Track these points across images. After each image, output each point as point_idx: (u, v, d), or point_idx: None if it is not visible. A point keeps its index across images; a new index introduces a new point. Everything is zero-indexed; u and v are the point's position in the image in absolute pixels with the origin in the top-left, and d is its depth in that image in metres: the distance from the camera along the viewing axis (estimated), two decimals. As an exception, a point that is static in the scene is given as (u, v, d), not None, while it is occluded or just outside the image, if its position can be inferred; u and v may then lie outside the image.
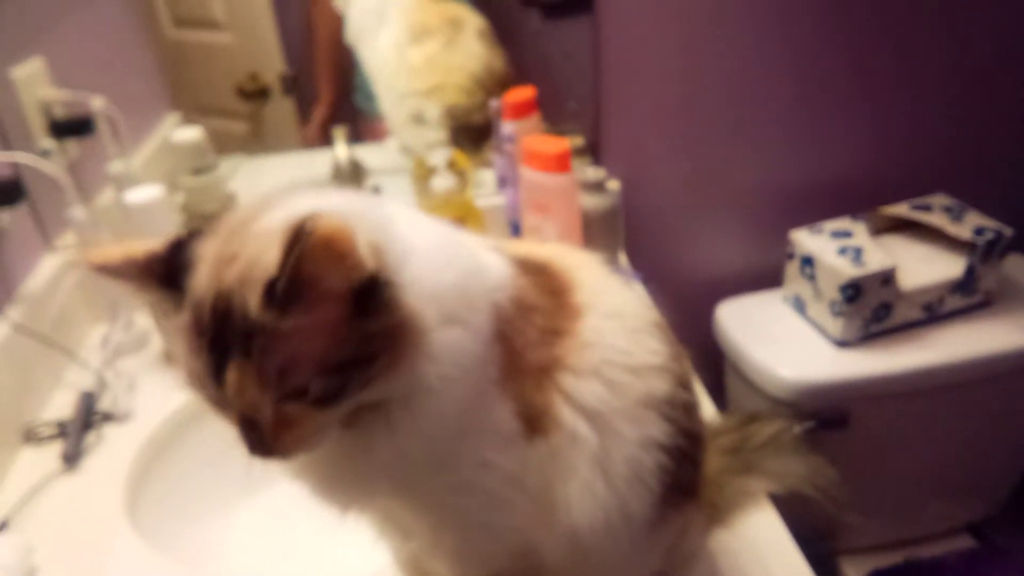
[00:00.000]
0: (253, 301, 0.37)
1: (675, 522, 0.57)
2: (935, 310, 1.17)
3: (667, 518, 0.55)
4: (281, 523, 0.85)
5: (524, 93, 1.06)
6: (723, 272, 1.32)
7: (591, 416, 0.50)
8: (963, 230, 1.15)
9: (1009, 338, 1.15)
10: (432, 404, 0.45)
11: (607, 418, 0.51)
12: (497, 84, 1.15)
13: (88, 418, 0.89)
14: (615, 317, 0.53)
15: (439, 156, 1.05)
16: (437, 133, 1.17)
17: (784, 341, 1.19)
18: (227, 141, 1.15)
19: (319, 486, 0.49)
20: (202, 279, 0.41)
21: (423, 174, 1.07)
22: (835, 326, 1.14)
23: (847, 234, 1.18)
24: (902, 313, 1.15)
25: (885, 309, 1.14)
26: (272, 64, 1.16)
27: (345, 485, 0.48)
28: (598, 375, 0.51)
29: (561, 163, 0.94)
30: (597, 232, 1.02)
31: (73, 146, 1.05)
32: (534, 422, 0.49)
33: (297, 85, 1.18)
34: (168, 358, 0.44)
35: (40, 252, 1.04)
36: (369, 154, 1.16)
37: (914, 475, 1.28)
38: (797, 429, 0.75)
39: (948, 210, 1.21)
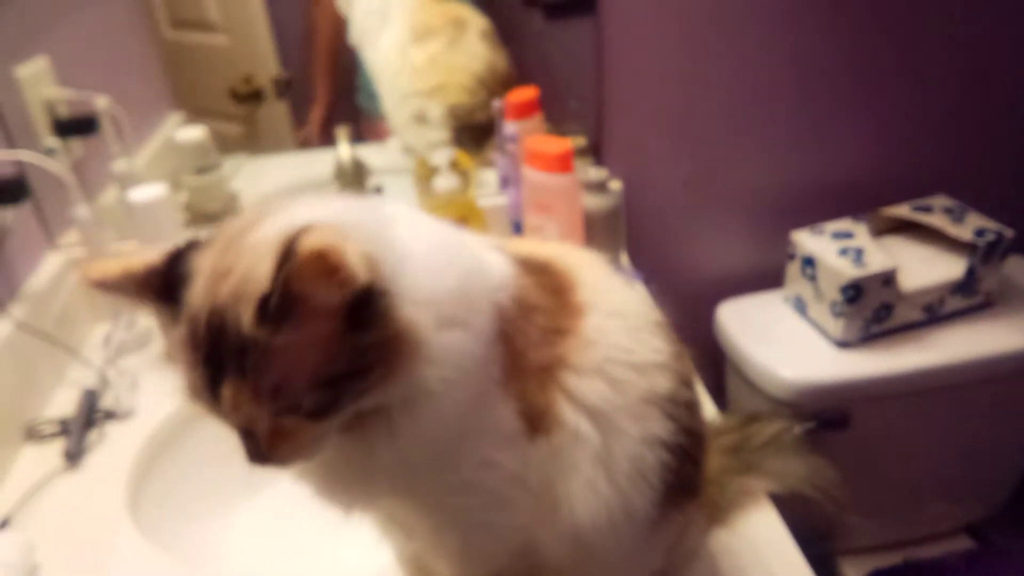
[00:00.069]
0: (245, 318, 0.37)
1: (676, 521, 0.58)
2: (936, 311, 1.17)
3: (668, 517, 0.55)
4: (283, 521, 0.85)
5: (526, 93, 1.06)
6: (724, 272, 1.33)
7: (594, 414, 0.51)
8: (964, 231, 1.15)
9: (1009, 339, 1.15)
10: (434, 407, 0.45)
11: (610, 416, 0.51)
12: (500, 84, 1.15)
13: (90, 416, 0.89)
14: (617, 315, 0.53)
15: (441, 156, 1.05)
16: (439, 133, 1.17)
17: (785, 341, 1.19)
18: (221, 143, 1.15)
19: (322, 488, 0.49)
20: (198, 293, 0.41)
21: (425, 174, 1.07)
22: (836, 327, 1.14)
23: (848, 235, 1.18)
24: (903, 314, 1.15)
25: (886, 310, 1.14)
26: (266, 67, 1.16)
27: (348, 487, 0.49)
28: (601, 373, 0.51)
29: (563, 163, 0.95)
30: (599, 232, 1.02)
31: (77, 145, 1.05)
32: (536, 421, 0.49)
33: (291, 88, 1.18)
34: (169, 357, 0.44)
35: (43, 250, 1.05)
36: (371, 154, 1.16)
37: (914, 476, 1.28)
38: (798, 429, 0.75)
39: (949, 211, 1.21)
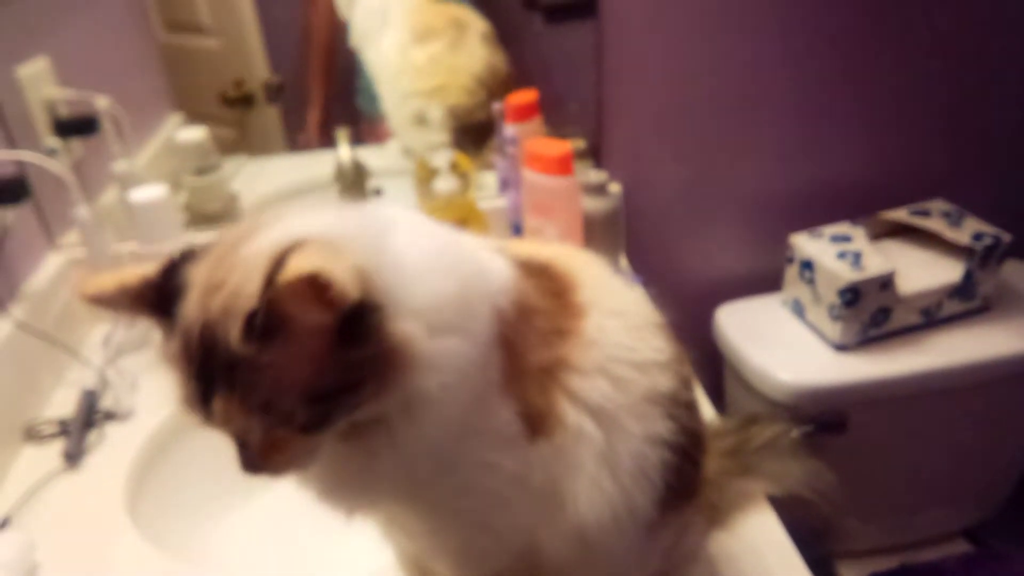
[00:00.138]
0: (233, 334, 0.37)
1: (675, 522, 0.58)
2: (933, 315, 1.18)
3: (668, 518, 0.55)
4: (282, 522, 0.85)
5: (526, 96, 1.07)
6: (723, 275, 1.33)
7: (597, 413, 0.51)
8: (962, 235, 1.16)
9: (1007, 343, 1.15)
10: (434, 412, 0.45)
11: (613, 414, 0.51)
12: (500, 85, 1.15)
13: (90, 416, 0.89)
14: (618, 315, 0.54)
15: (441, 158, 1.06)
16: (439, 135, 1.18)
17: (783, 345, 1.19)
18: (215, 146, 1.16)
19: (323, 493, 0.49)
20: (191, 307, 0.41)
21: (425, 176, 1.08)
22: (834, 330, 1.15)
23: (846, 239, 1.18)
24: (900, 317, 1.16)
25: (884, 313, 1.14)
26: (258, 71, 1.16)
27: (349, 492, 0.49)
28: (603, 372, 0.51)
29: (563, 166, 0.95)
30: (598, 235, 1.02)
31: (77, 145, 1.05)
32: (537, 422, 0.49)
33: (282, 93, 1.18)
34: (164, 366, 0.44)
35: (44, 250, 1.05)
36: (371, 156, 1.16)
37: (911, 479, 1.28)
38: (795, 432, 0.75)
39: (947, 215, 1.21)
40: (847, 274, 1.10)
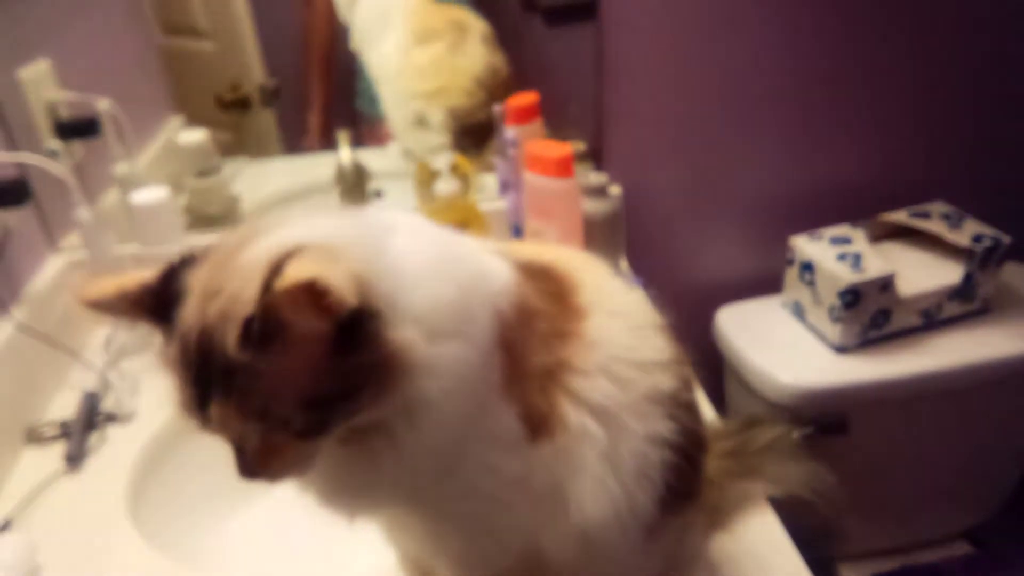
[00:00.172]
0: (230, 340, 0.37)
1: (676, 524, 0.58)
2: (933, 317, 1.18)
3: (669, 519, 0.55)
4: (284, 524, 0.85)
5: (527, 98, 1.07)
6: (723, 277, 1.33)
7: (599, 412, 0.51)
8: (961, 237, 1.16)
9: (1007, 345, 1.15)
10: (434, 416, 0.45)
11: (615, 413, 0.51)
12: (500, 88, 1.15)
13: (91, 419, 0.89)
14: (619, 315, 0.54)
15: (442, 160, 1.06)
16: (439, 137, 1.18)
17: (783, 346, 1.19)
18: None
19: (325, 498, 0.49)
20: (189, 313, 0.41)
21: (425, 178, 1.08)
22: (834, 332, 1.15)
23: (846, 240, 1.18)
24: (901, 319, 1.16)
25: (884, 315, 1.14)
26: (253, 74, 1.16)
27: (351, 497, 0.49)
28: (605, 372, 0.51)
29: (564, 168, 0.95)
30: (598, 237, 1.03)
31: (78, 147, 1.05)
32: (538, 424, 0.50)
33: (278, 96, 1.18)
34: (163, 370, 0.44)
35: (45, 252, 1.05)
36: (372, 158, 1.17)
37: (912, 481, 1.28)
38: (796, 434, 0.75)
39: (947, 217, 1.22)
40: (847, 276, 1.10)
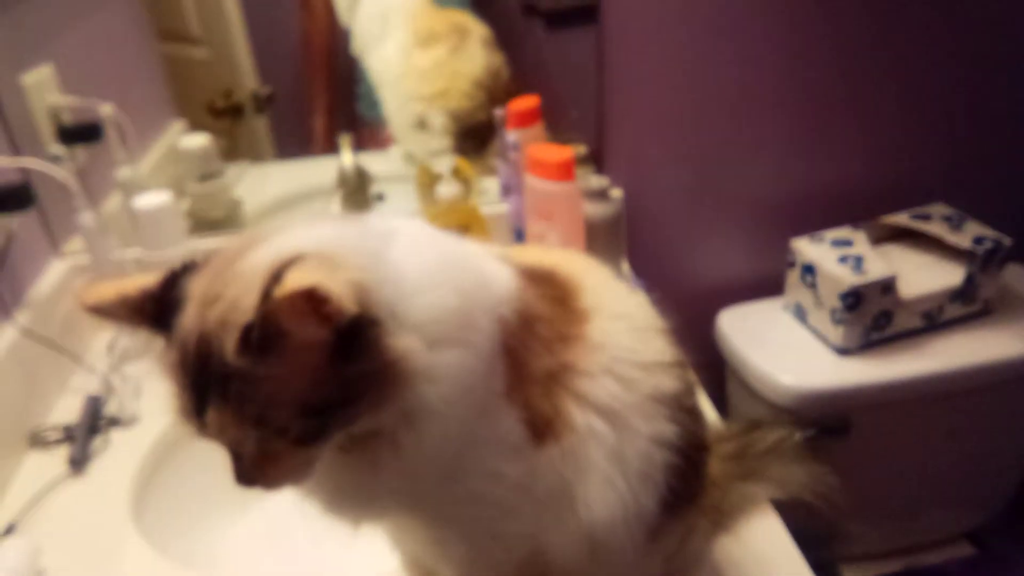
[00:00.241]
0: (229, 346, 0.37)
1: (678, 528, 0.58)
2: (935, 318, 1.18)
3: (671, 522, 0.56)
4: (288, 528, 0.85)
5: (528, 102, 1.07)
6: (725, 280, 1.33)
7: (605, 412, 0.51)
8: (962, 239, 1.16)
9: (1008, 347, 1.16)
10: (437, 423, 0.45)
11: (621, 413, 0.51)
12: (501, 91, 1.16)
13: (95, 422, 0.89)
14: (622, 318, 0.54)
15: (443, 163, 1.06)
16: (441, 140, 1.18)
17: (785, 349, 1.19)
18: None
19: (329, 505, 0.49)
20: (188, 319, 0.41)
21: (427, 181, 1.08)
22: (836, 334, 1.15)
23: (848, 243, 1.18)
24: (902, 321, 1.16)
25: (885, 317, 1.14)
26: (246, 81, 1.16)
27: (355, 504, 0.49)
28: (610, 373, 0.51)
29: (565, 171, 0.95)
30: (600, 240, 1.03)
31: (81, 152, 1.05)
32: (543, 428, 0.50)
33: (272, 103, 1.18)
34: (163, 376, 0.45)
35: (48, 257, 1.05)
36: (373, 162, 1.17)
37: (914, 482, 1.28)
38: (798, 436, 0.75)
39: (948, 219, 1.22)
40: (849, 278, 1.10)
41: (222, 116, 1.16)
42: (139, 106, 1.10)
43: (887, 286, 1.11)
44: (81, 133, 1.03)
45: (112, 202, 1.10)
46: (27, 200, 0.90)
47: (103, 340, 1.03)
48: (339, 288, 0.37)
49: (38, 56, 1.00)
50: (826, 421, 1.13)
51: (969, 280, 1.15)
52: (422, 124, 1.19)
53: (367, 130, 1.24)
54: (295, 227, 0.45)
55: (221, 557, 0.84)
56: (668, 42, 1.13)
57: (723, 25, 1.13)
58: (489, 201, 1.17)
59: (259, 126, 1.19)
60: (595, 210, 1.02)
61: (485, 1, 1.16)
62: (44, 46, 1.01)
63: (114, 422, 0.90)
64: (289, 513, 0.86)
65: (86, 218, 0.95)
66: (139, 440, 0.87)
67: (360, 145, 1.17)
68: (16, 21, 0.97)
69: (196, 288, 0.42)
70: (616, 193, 1.07)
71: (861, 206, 1.27)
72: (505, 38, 1.16)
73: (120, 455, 0.86)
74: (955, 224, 1.20)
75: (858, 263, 1.13)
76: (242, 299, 0.38)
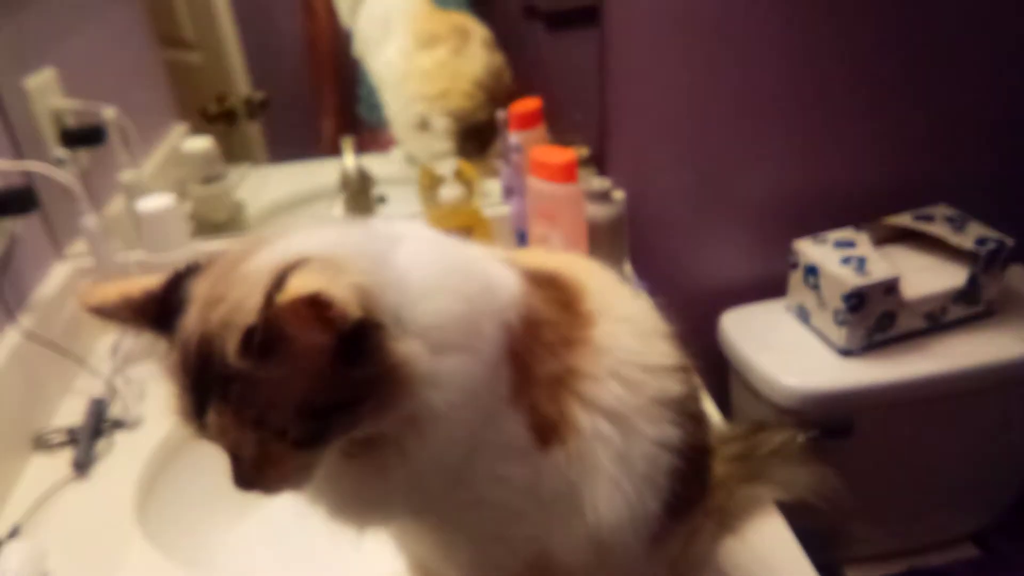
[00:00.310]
0: (230, 348, 0.37)
1: (682, 531, 0.58)
2: (938, 319, 1.18)
3: (675, 526, 0.56)
4: (292, 530, 0.85)
5: (530, 104, 1.07)
6: (727, 281, 1.33)
7: (611, 415, 0.51)
8: (965, 240, 1.16)
9: (1011, 347, 1.15)
10: (442, 429, 0.45)
11: (626, 416, 0.51)
12: (503, 92, 1.16)
13: (99, 425, 0.90)
14: (627, 321, 0.54)
15: (446, 166, 1.06)
16: (443, 143, 1.18)
17: (788, 350, 1.19)
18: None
19: (334, 510, 0.49)
20: (190, 320, 0.41)
21: (429, 183, 1.08)
22: (839, 335, 1.15)
23: (850, 244, 1.18)
24: (905, 322, 1.16)
25: (888, 318, 1.14)
26: (239, 86, 1.15)
27: (360, 509, 0.49)
28: (615, 376, 0.51)
29: (567, 173, 0.95)
30: (603, 241, 1.03)
31: (84, 155, 1.06)
32: (548, 432, 0.50)
33: (266, 108, 1.18)
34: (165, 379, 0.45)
35: (51, 260, 1.05)
36: (375, 164, 1.17)
37: (918, 484, 1.28)
38: (802, 438, 0.75)
39: (950, 220, 1.22)
40: (852, 279, 1.10)
41: (215, 121, 1.16)
42: (142, 109, 1.10)
43: (890, 287, 1.11)
44: (84, 136, 1.03)
45: (115, 205, 1.10)
46: (30, 203, 0.90)
47: (107, 343, 1.03)
48: (342, 293, 0.37)
49: (41, 59, 1.00)
50: (829, 422, 1.13)
51: (972, 281, 1.15)
52: (424, 125, 1.19)
53: (368, 132, 1.24)
54: (299, 230, 0.45)
55: (225, 559, 0.84)
56: (670, 43, 1.13)
57: (725, 26, 1.13)
58: (491, 203, 1.17)
59: (253, 131, 1.19)
60: (597, 212, 1.02)
61: (486, 3, 1.16)
62: (47, 50, 1.01)
63: (118, 425, 0.90)
64: (294, 516, 0.86)
65: (89, 221, 0.95)
66: (143, 442, 0.87)
67: (361, 147, 1.17)
68: (19, 25, 0.97)
69: (199, 290, 0.42)
70: (618, 195, 1.07)
71: (864, 207, 1.27)
72: (506, 40, 1.16)
73: (124, 458, 0.86)
74: (958, 225, 1.20)
75: (861, 264, 1.13)
76: (245, 301, 0.38)
